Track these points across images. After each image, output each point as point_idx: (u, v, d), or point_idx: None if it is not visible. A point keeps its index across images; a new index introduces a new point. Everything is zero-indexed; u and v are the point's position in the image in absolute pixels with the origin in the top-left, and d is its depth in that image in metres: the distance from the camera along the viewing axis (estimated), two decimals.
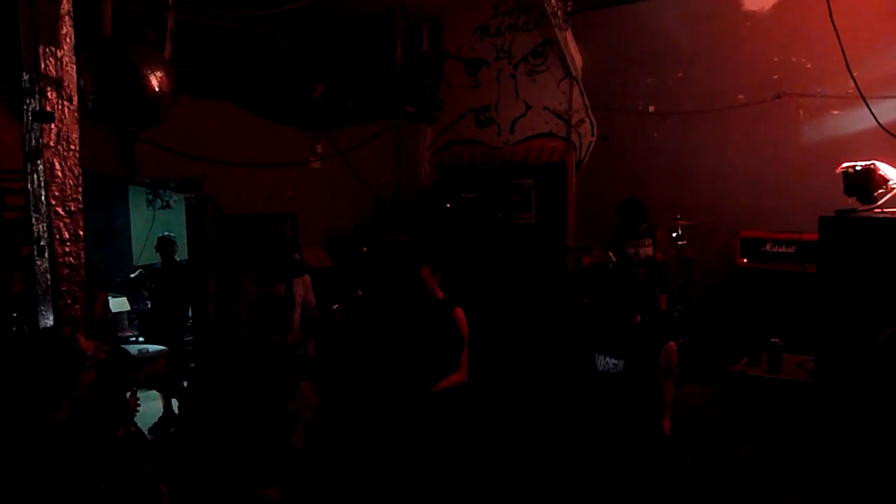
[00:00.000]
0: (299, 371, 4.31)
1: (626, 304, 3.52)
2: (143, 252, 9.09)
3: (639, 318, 3.56)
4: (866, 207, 4.07)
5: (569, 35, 7.13)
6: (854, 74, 4.74)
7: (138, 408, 3.55)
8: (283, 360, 3.84)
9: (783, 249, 5.84)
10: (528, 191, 7.81)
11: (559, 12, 6.88)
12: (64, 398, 2.62)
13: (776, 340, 4.28)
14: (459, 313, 4.29)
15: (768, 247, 5.91)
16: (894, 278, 3.72)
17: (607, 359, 3.54)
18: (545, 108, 7.67)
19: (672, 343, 3.46)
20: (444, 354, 4.22)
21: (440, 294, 4.36)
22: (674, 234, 5.95)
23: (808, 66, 6.00)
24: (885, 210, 4.04)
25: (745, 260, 6.01)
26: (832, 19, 4.27)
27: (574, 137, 7.50)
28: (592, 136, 7.39)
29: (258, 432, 3.48)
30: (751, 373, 4.26)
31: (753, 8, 6.26)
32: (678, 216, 5.98)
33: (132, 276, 7.85)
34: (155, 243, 7.02)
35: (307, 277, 5.16)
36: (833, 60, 5.04)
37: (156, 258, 7.19)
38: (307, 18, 6.98)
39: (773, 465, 3.93)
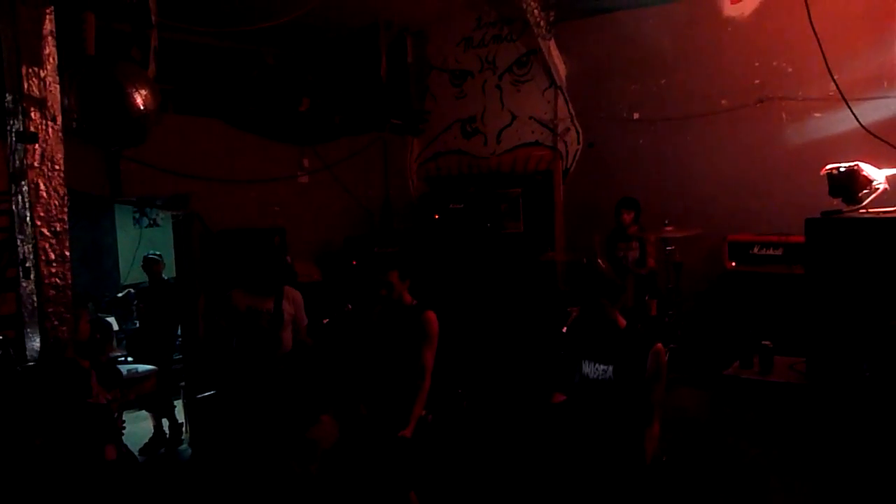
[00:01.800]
0: (321, 400, 4.30)
1: (593, 295, 3.54)
2: (131, 271, 9.02)
3: (623, 321, 3.57)
4: (851, 208, 4.10)
5: (552, 45, 7.18)
6: (835, 77, 4.80)
7: (123, 428, 3.51)
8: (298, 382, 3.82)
9: (771, 252, 5.87)
10: (516, 200, 7.83)
11: (542, 22, 6.94)
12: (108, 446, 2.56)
13: (767, 343, 4.29)
14: (430, 316, 4.15)
15: (756, 250, 5.95)
16: (881, 277, 3.75)
17: (596, 365, 3.54)
18: (531, 118, 7.71)
19: (660, 345, 3.46)
20: (412, 359, 4.10)
21: (409, 299, 4.25)
22: (661, 239, 5.99)
23: (789, 70, 6.08)
24: (869, 210, 4.07)
25: (734, 263, 6.05)
26: (812, 24, 4.33)
27: (560, 146, 7.54)
28: (578, 144, 7.43)
29: (277, 456, 3.47)
30: (743, 376, 4.26)
31: (733, 14, 6.33)
32: (666, 221, 6.01)
33: (120, 295, 7.79)
34: (142, 262, 6.98)
35: (298, 296, 5.07)
36: (813, 64, 5.11)
37: (144, 277, 7.13)
38: (291, 33, 6.99)
39: (769, 467, 3.93)
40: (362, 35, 7.93)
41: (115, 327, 8.11)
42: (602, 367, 3.51)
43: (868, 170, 4.06)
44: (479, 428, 5.09)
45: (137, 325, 7.21)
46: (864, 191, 4.05)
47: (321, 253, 7.44)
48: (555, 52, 7.24)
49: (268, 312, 4.82)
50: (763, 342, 4.30)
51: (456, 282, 7.21)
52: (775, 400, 4.07)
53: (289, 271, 5.20)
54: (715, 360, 5.04)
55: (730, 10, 6.34)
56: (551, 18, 7.01)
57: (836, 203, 4.18)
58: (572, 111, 7.43)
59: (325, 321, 5.35)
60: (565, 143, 7.51)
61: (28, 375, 2.97)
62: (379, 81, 7.99)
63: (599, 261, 6.05)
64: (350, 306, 5.23)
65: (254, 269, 4.91)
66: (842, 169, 4.09)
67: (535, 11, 6.80)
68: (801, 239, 4.24)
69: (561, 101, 7.48)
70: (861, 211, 4.05)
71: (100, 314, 7.49)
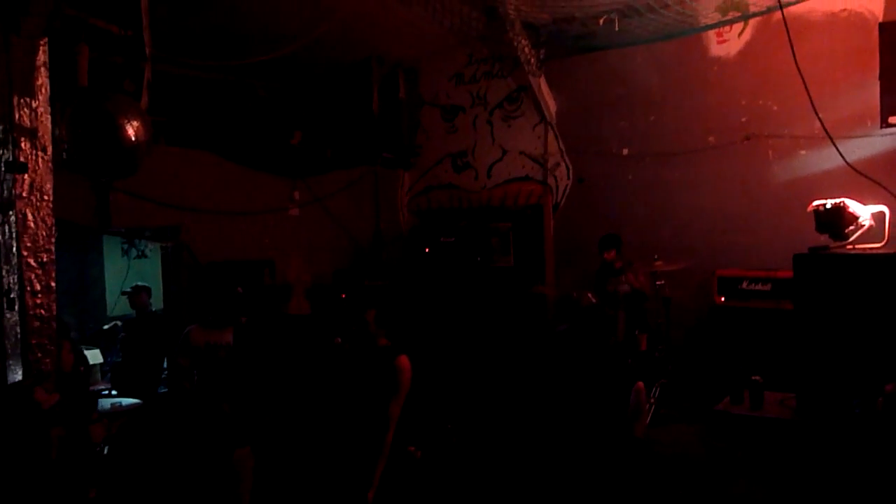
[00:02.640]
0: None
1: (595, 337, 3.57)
2: (118, 303, 8.91)
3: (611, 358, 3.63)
4: (838, 244, 4.15)
5: (542, 81, 7.29)
6: (820, 116, 4.88)
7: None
8: None
9: (759, 287, 5.90)
10: (507, 234, 7.86)
11: (532, 60, 7.05)
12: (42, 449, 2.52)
13: (757, 378, 4.29)
14: (403, 362, 4.00)
15: (745, 285, 5.97)
16: (868, 313, 3.77)
17: (579, 399, 3.54)
18: (521, 153, 7.78)
19: (640, 383, 3.50)
20: (375, 404, 3.95)
21: (383, 341, 4.14)
22: (651, 273, 6.00)
23: (775, 108, 6.18)
24: (856, 246, 4.12)
25: (723, 298, 6.07)
26: (797, 63, 4.41)
27: (550, 181, 7.59)
28: (568, 179, 7.49)
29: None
30: (734, 411, 4.25)
31: (720, 54, 6.46)
32: (655, 257, 6.04)
33: (106, 327, 7.68)
34: (129, 290, 6.88)
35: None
36: (799, 103, 5.20)
37: (131, 309, 7.05)
38: (284, 67, 7.06)
39: (761, 502, 3.89)
40: (355, 70, 8.03)
41: (100, 360, 7.98)
42: (585, 400, 3.53)
43: (854, 206, 4.12)
44: (469, 463, 5.01)
45: (120, 357, 7.09)
46: (851, 227, 4.10)
47: (311, 285, 7.40)
48: (545, 89, 7.35)
49: (227, 345, 4.80)
50: (753, 377, 4.30)
51: (446, 315, 7.18)
52: (766, 435, 4.05)
53: (243, 302, 5.18)
54: (705, 395, 5.03)
55: (716, 49, 6.47)
56: (542, 56, 7.13)
57: (824, 239, 4.23)
58: (562, 147, 7.51)
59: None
60: (555, 177, 7.57)
61: None
62: (371, 116, 8.06)
63: (589, 294, 6.05)
64: (339, 339, 5.20)
65: (209, 303, 4.90)
66: (828, 206, 4.14)
67: (526, 49, 6.92)
68: (790, 274, 4.27)
69: (551, 136, 7.56)
70: (848, 247, 4.09)
71: (84, 346, 7.37)
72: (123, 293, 6.63)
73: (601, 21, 6.22)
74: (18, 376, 3.21)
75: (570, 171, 7.47)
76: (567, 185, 7.51)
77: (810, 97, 4.61)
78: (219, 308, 4.88)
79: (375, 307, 4.19)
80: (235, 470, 3.95)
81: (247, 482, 4.04)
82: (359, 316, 4.13)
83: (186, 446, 3.74)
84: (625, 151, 7.03)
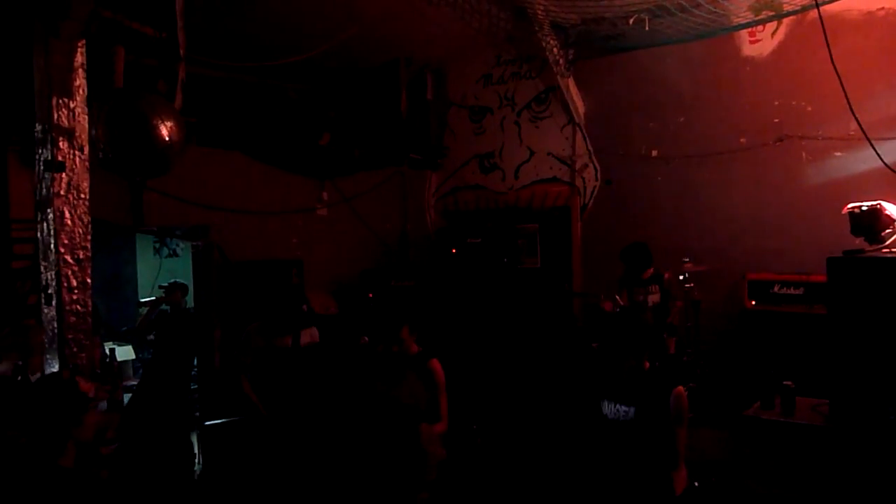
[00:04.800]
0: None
1: (636, 349, 3.49)
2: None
3: (647, 364, 3.53)
4: (874, 247, 4.06)
5: (571, 82, 7.25)
6: (857, 116, 4.78)
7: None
8: None
9: (791, 291, 5.81)
10: (534, 235, 7.83)
11: (561, 60, 7.02)
12: (69, 442, 2.59)
13: (789, 383, 4.22)
14: (435, 364, 4.30)
15: (776, 289, 5.88)
16: None
17: (617, 406, 3.50)
18: (549, 154, 7.75)
19: (681, 388, 3.43)
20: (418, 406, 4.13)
21: (415, 348, 4.36)
22: (681, 277, 5.93)
23: (809, 109, 6.07)
24: (893, 250, 4.03)
25: (754, 302, 5.98)
26: (833, 63, 4.33)
27: (578, 182, 7.55)
28: (596, 180, 7.44)
29: None
30: (764, 417, 4.18)
31: (752, 54, 6.37)
32: (685, 259, 5.96)
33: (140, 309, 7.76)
34: (166, 286, 6.98)
35: (314, 330, 5.15)
36: (833, 103, 5.10)
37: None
38: (314, 69, 7.13)
39: None
40: (383, 71, 8.06)
41: (132, 356, 8.14)
42: (624, 408, 3.47)
43: (891, 209, 4.04)
44: (495, 465, 5.01)
45: (150, 354, 7.22)
46: (887, 230, 4.02)
47: (338, 285, 7.46)
48: (573, 90, 7.31)
49: (286, 348, 4.87)
50: (784, 382, 4.23)
51: (473, 316, 7.18)
52: (797, 442, 3.98)
53: (305, 318, 5.25)
54: (735, 400, 4.96)
55: (749, 49, 6.37)
56: (570, 56, 7.10)
57: (858, 242, 4.15)
58: (590, 148, 7.46)
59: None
60: (583, 179, 7.52)
61: (28, 391, 2.99)
62: (399, 117, 8.09)
63: (617, 297, 6.00)
64: (366, 339, 5.23)
65: (271, 313, 4.97)
66: (864, 208, 4.06)
67: (555, 49, 6.89)
68: (823, 278, 4.20)
69: (579, 137, 7.52)
70: (884, 250, 4.01)
71: (116, 342, 7.51)
72: (161, 287, 6.74)
73: (631, 21, 6.17)
74: (55, 369, 3.30)
75: (598, 173, 7.42)
76: (595, 187, 7.46)
77: (847, 98, 4.52)
78: (279, 318, 4.96)
79: (408, 323, 4.28)
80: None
81: None
82: (394, 334, 4.22)
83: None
84: (654, 153, 6.96)
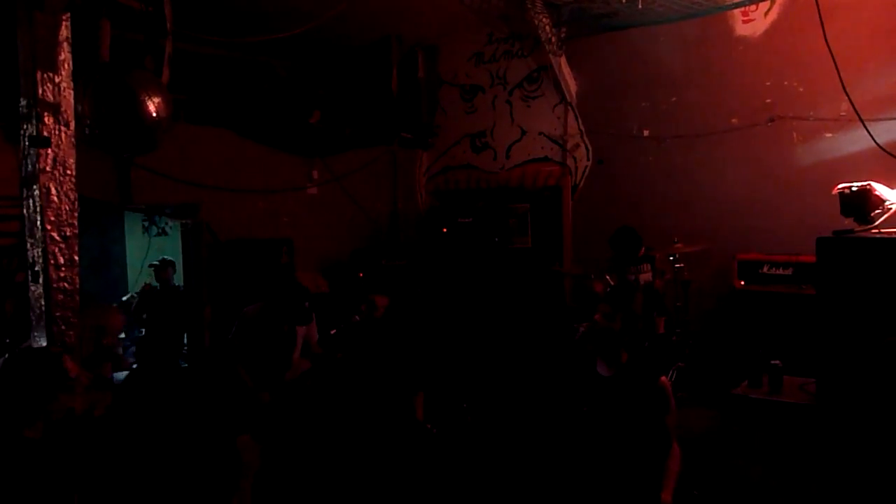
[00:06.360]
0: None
1: (607, 357, 3.59)
2: (139, 279, 9.03)
3: (625, 356, 3.61)
4: (863, 228, 4.07)
5: (563, 61, 7.20)
6: (849, 96, 4.77)
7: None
8: None
9: (780, 272, 5.83)
10: (525, 215, 7.82)
11: (553, 39, 6.96)
12: (40, 417, 2.56)
13: (777, 362, 4.25)
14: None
15: (765, 269, 5.90)
16: (893, 298, 3.71)
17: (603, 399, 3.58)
18: (540, 133, 7.72)
19: (664, 377, 3.55)
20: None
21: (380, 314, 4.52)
22: (671, 258, 5.95)
23: (801, 89, 6.06)
24: (882, 230, 4.04)
25: (743, 282, 6.00)
26: (828, 44, 4.31)
27: (570, 162, 7.53)
28: (588, 160, 7.43)
29: None
30: (752, 395, 4.22)
31: (745, 33, 6.33)
32: (675, 239, 5.98)
33: (124, 298, 7.77)
34: (152, 269, 6.97)
35: (314, 327, 5.18)
36: (825, 84, 5.10)
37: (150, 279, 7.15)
38: (304, 46, 7.05)
39: (777, 488, 3.88)
40: (374, 49, 7.99)
41: (122, 334, 8.10)
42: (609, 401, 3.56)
43: (881, 189, 4.04)
44: (484, 442, 5.04)
45: (143, 332, 7.20)
46: (877, 211, 4.02)
47: (329, 264, 7.44)
48: (565, 69, 7.26)
49: (283, 333, 4.87)
50: (772, 361, 4.26)
51: (464, 296, 7.19)
52: (784, 420, 4.02)
53: (306, 314, 5.21)
54: (723, 379, 5.00)
55: (741, 29, 6.34)
56: (563, 35, 7.03)
57: (848, 223, 4.15)
58: (582, 127, 7.44)
59: (332, 332, 5.35)
60: (574, 159, 7.51)
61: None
62: (390, 95, 8.03)
63: (608, 277, 6.01)
64: (357, 317, 5.23)
65: (273, 301, 4.92)
66: (854, 188, 4.06)
67: (547, 28, 6.83)
68: (812, 259, 4.21)
69: (571, 117, 7.49)
70: (873, 231, 4.02)
71: None
72: (151, 266, 6.72)
73: None
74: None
75: (590, 153, 7.40)
76: (586, 167, 7.44)
77: (840, 77, 4.50)
78: (280, 308, 4.93)
79: (389, 296, 4.28)
80: (237, 457, 3.92)
81: (249, 470, 3.95)
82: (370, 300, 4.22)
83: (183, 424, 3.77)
84: (646, 132, 6.95)
